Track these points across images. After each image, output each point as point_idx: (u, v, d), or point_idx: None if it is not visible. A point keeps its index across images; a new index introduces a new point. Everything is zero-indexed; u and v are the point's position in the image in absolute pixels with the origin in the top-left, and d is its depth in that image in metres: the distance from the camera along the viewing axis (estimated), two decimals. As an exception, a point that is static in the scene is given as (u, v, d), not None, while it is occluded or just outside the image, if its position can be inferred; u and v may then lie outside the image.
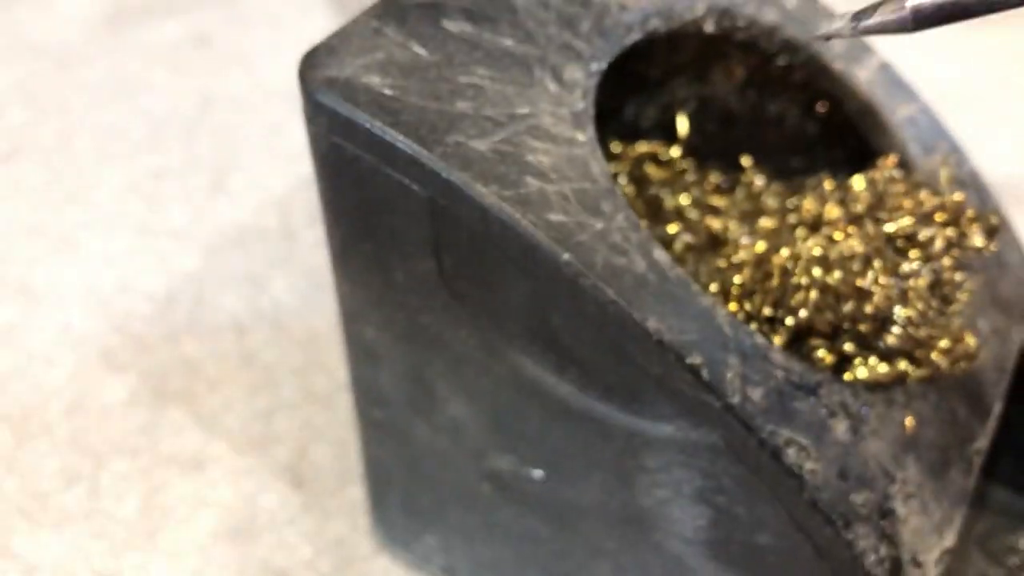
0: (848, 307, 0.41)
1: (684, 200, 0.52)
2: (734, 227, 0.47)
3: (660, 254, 0.39)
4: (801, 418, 0.39)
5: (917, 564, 0.42)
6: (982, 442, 0.47)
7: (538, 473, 0.48)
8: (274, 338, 0.76)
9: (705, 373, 0.38)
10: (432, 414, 0.50)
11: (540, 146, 0.40)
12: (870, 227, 0.43)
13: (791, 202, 0.48)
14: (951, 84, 1.01)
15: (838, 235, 0.43)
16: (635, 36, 0.46)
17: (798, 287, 0.42)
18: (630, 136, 0.59)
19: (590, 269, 0.38)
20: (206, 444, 0.69)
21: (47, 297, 0.79)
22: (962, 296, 0.45)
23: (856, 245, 0.42)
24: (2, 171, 0.90)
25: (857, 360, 0.42)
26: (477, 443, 0.49)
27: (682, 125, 0.55)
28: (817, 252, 0.42)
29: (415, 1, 0.43)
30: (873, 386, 0.42)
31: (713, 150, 0.59)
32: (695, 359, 0.38)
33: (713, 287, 0.45)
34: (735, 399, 0.38)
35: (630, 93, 0.58)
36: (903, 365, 0.42)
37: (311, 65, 0.40)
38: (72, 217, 0.86)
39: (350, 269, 0.46)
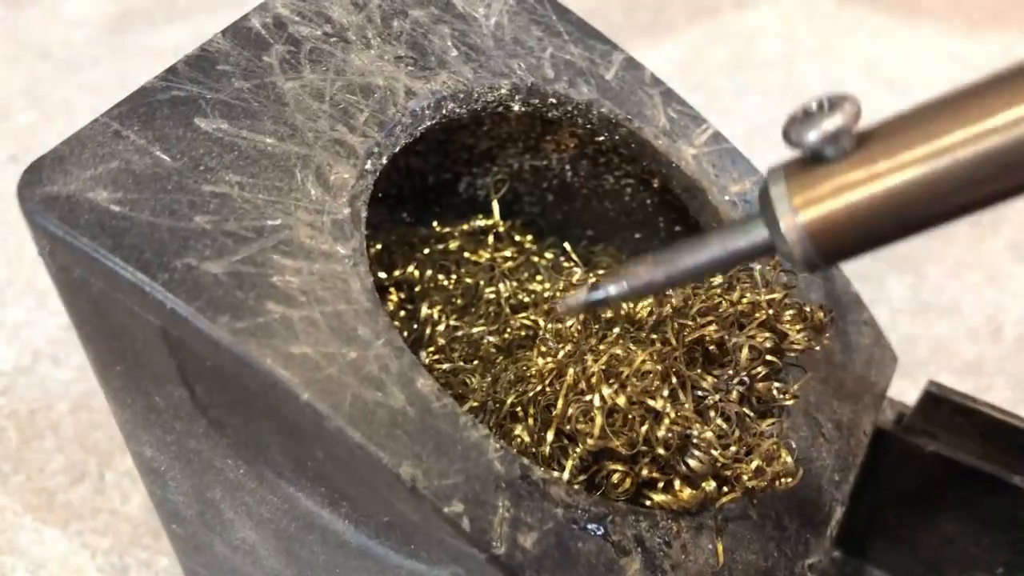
0: (642, 430, 0.37)
1: (503, 290, 0.48)
2: (543, 327, 0.43)
3: (425, 383, 0.35)
4: (584, 562, 0.35)
5: None
6: (816, 556, 0.43)
7: None
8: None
9: (465, 523, 0.33)
10: (225, 534, 0.45)
11: (290, 264, 0.36)
12: (671, 336, 0.39)
13: None
14: (949, 84, 1.01)
15: (634, 348, 0.39)
16: (426, 124, 0.42)
17: (587, 408, 0.38)
18: (466, 209, 0.56)
19: (335, 409, 0.33)
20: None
21: (53, 297, 0.77)
22: (784, 403, 0.41)
23: (647, 362, 0.38)
24: (9, 172, 0.89)
25: (660, 486, 0.39)
26: (273, 567, 0.45)
27: (495, 210, 0.51)
28: (601, 368, 0.38)
29: (168, 96, 0.39)
30: (678, 513, 0.38)
31: (553, 223, 0.55)
32: (455, 507, 0.33)
33: (510, 399, 0.41)
34: (501, 549, 0.34)
35: (463, 165, 0.54)
36: (709, 488, 0.39)
37: (32, 180, 0.36)
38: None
39: (113, 389, 0.41)
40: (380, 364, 0.35)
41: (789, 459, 0.39)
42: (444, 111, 0.43)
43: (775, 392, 0.40)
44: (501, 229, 0.54)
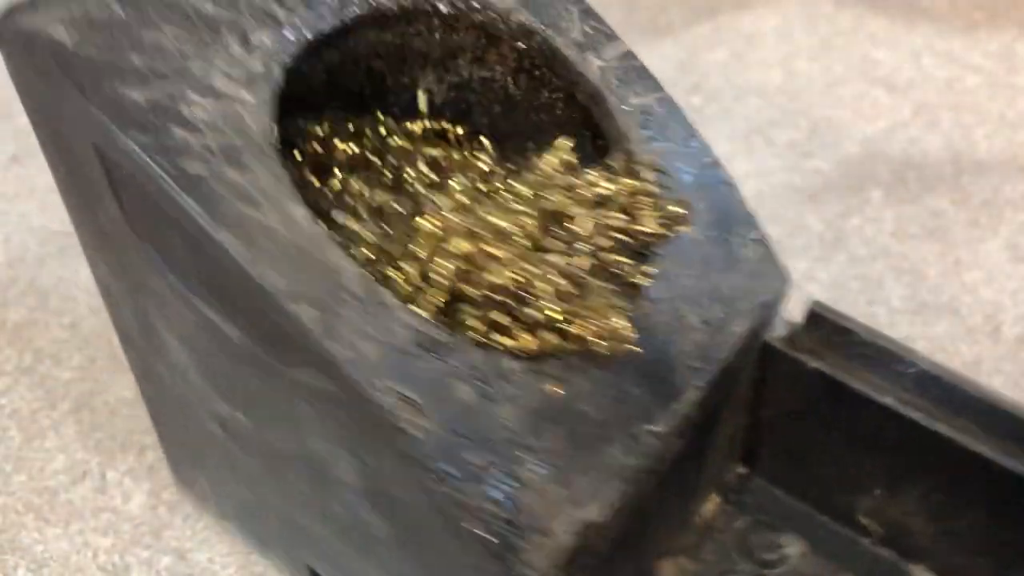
0: (488, 278, 0.43)
1: (412, 172, 0.54)
2: (435, 200, 0.49)
3: (299, 210, 0.42)
4: (422, 377, 0.41)
5: (543, 531, 0.43)
6: (661, 425, 0.48)
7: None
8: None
9: (311, 325, 0.40)
10: (164, 356, 0.53)
11: (199, 100, 0.42)
12: (530, 209, 0.45)
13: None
14: (947, 85, 1.03)
15: (494, 213, 0.45)
16: (354, 11, 0.49)
17: (445, 255, 0.43)
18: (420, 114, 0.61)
19: (216, 219, 0.40)
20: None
21: (55, 297, 0.82)
22: (636, 282, 0.46)
23: (499, 219, 0.43)
24: (11, 172, 0.94)
25: (503, 336, 0.44)
26: (200, 386, 0.52)
27: (422, 102, 0.57)
28: (458, 222, 0.44)
29: (132, -38, 0.46)
30: (520, 357, 0.44)
31: (502, 134, 0.61)
32: (305, 310, 0.40)
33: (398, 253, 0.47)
34: (346, 354, 0.40)
35: (419, 70, 0.60)
36: (550, 338, 0.44)
37: (6, 16, 0.43)
38: (81, 217, 0.91)
39: (72, 205, 0.49)
40: (258, 188, 0.41)
41: (625, 324, 0.44)
42: (373, 1, 0.49)
43: (623, 267, 0.45)
44: (451, 134, 0.60)
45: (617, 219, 0.45)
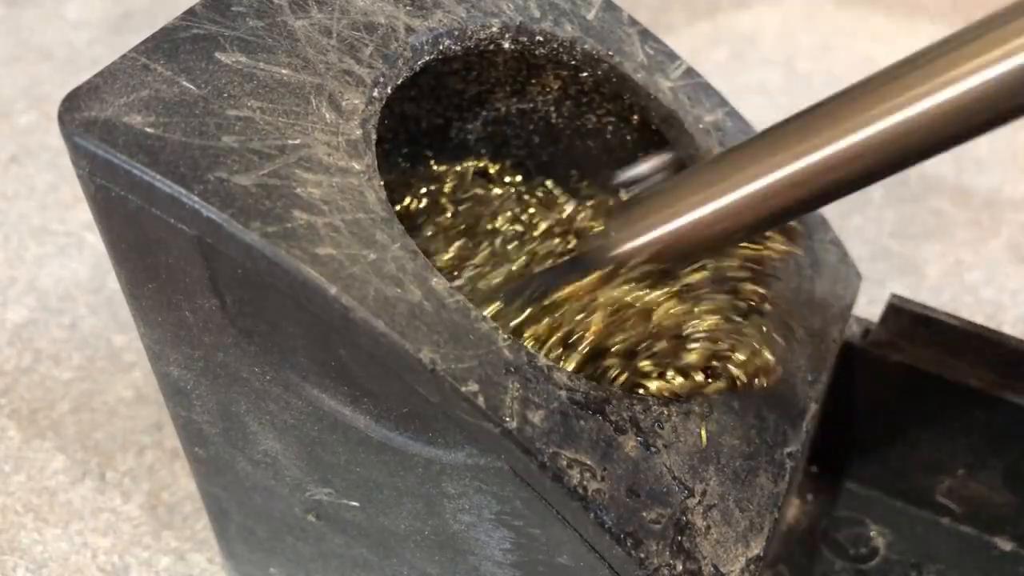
0: (634, 324, 0.41)
1: (500, 223, 0.51)
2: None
3: (438, 282, 0.39)
4: (586, 438, 0.39)
5: (718, 571, 0.42)
6: (794, 446, 0.47)
7: (353, 503, 0.47)
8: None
9: (481, 400, 0.37)
10: (248, 449, 0.49)
11: (311, 178, 0.39)
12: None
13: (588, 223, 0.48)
14: None
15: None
16: (425, 58, 0.46)
17: (585, 309, 0.42)
18: (457, 152, 0.59)
19: (361, 302, 0.37)
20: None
21: (55, 296, 0.80)
22: (764, 307, 0.46)
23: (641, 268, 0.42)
24: (10, 172, 0.92)
25: (654, 375, 0.43)
26: (294, 476, 0.48)
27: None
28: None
29: (189, 34, 0.42)
30: (668, 400, 0.42)
31: (540, 165, 0.59)
32: (470, 386, 0.37)
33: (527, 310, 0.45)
34: (513, 424, 0.38)
35: (453, 110, 0.58)
36: (699, 378, 0.43)
37: (71, 107, 0.39)
38: (79, 217, 0.87)
39: (143, 308, 0.45)
40: (398, 265, 0.38)
41: (770, 356, 0.44)
42: (441, 47, 0.46)
43: (759, 293, 0.44)
44: (492, 171, 0.58)
45: (751, 249, 0.44)
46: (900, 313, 0.56)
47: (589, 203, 0.51)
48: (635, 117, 0.54)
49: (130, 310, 0.46)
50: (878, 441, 0.62)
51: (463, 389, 0.37)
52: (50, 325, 0.78)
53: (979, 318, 0.81)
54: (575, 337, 0.42)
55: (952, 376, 0.56)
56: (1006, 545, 0.62)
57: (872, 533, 0.62)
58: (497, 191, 0.54)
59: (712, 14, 1.14)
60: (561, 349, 0.42)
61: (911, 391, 0.58)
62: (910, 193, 0.92)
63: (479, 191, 0.54)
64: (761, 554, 0.44)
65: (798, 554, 0.62)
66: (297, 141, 0.40)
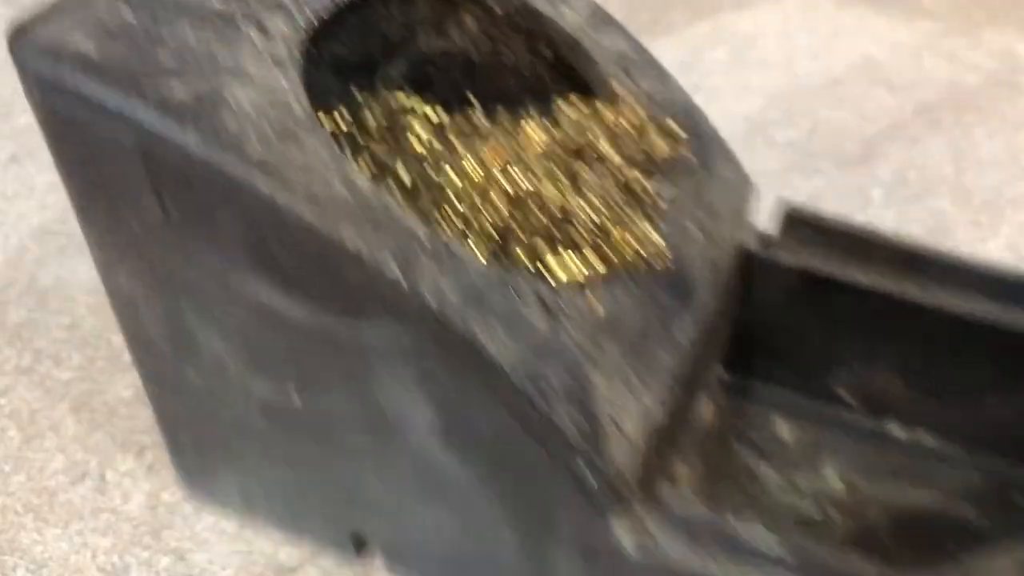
0: (530, 209, 0.47)
1: (424, 137, 0.56)
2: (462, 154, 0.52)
3: (361, 180, 0.44)
4: (497, 311, 0.44)
5: (619, 427, 0.47)
6: (689, 327, 0.52)
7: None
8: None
9: (401, 280, 0.42)
10: (195, 356, 0.53)
11: (241, 91, 0.44)
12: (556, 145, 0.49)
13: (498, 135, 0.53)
14: (948, 85, 1.06)
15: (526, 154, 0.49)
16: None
17: (489, 201, 0.47)
18: (388, 87, 0.64)
19: (289, 197, 0.42)
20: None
21: (54, 297, 0.80)
22: (657, 203, 0.51)
23: (534, 158, 0.47)
24: (10, 172, 0.92)
25: (552, 258, 0.48)
26: (240, 377, 0.53)
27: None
28: (498, 166, 0.47)
29: (127, -32, 0.47)
30: (570, 284, 0.48)
31: (460, 97, 0.64)
32: (391, 268, 0.42)
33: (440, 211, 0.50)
34: (432, 300, 0.43)
35: (379, 51, 0.63)
36: (593, 259, 0.48)
37: (20, 34, 0.44)
38: (79, 217, 0.88)
39: (94, 224, 0.49)
40: (322, 164, 0.43)
41: (660, 240, 0.49)
42: None
43: (648, 189, 0.50)
44: (418, 109, 0.63)
45: (634, 146, 0.50)
46: (796, 222, 0.61)
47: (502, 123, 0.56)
48: (547, 51, 0.59)
49: (82, 231, 0.50)
50: (780, 342, 0.67)
51: (385, 271, 0.42)
52: (50, 325, 0.78)
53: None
54: (478, 223, 0.47)
55: (843, 276, 0.61)
56: (900, 433, 0.67)
57: (777, 427, 0.68)
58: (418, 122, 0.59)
59: (712, 14, 1.15)
60: (469, 235, 0.48)
61: (807, 293, 0.63)
62: (910, 193, 0.93)
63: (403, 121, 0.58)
64: (663, 421, 0.49)
65: (713, 451, 0.67)
66: (228, 60, 0.45)
